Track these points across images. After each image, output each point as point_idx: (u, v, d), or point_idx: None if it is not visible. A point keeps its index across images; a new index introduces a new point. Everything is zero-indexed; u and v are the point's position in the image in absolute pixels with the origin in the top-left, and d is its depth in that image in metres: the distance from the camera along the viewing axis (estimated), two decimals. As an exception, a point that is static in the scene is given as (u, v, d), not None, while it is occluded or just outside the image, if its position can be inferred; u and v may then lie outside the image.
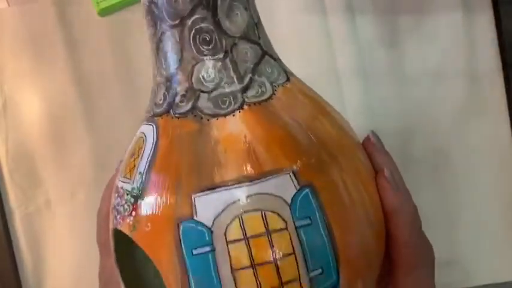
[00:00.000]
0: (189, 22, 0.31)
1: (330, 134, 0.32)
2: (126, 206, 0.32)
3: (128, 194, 0.32)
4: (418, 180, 0.54)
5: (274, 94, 0.31)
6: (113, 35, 0.55)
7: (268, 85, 0.32)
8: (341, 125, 0.34)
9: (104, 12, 0.55)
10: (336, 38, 0.53)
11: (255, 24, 0.32)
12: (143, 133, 0.33)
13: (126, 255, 0.35)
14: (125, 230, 0.31)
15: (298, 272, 0.28)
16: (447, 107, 0.54)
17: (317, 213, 0.29)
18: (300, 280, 0.28)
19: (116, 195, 0.33)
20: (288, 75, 0.33)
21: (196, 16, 0.31)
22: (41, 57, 0.56)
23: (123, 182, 0.33)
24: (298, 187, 0.29)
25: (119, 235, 0.33)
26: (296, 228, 0.28)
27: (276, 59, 0.33)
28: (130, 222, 0.31)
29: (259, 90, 0.31)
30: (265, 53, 0.32)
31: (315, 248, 0.29)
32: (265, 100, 0.31)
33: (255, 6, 0.33)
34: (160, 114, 0.32)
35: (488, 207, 0.54)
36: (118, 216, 0.32)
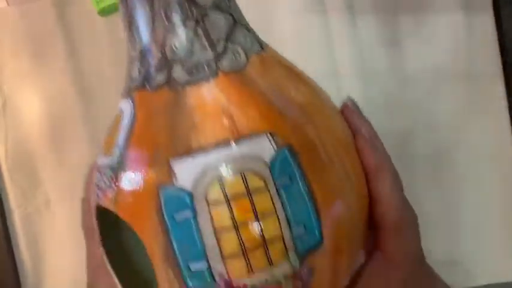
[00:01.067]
0: None
1: (306, 98, 0.32)
2: (106, 181, 0.32)
3: (107, 169, 0.32)
4: (419, 181, 0.54)
5: (248, 61, 0.32)
6: (112, 35, 0.55)
7: (242, 53, 0.32)
8: (317, 91, 0.34)
9: (104, 12, 0.55)
10: (336, 38, 0.53)
11: None
12: (121, 109, 0.33)
13: (111, 236, 0.35)
14: (107, 204, 0.31)
15: (281, 230, 0.29)
16: (447, 107, 0.54)
17: (296, 173, 0.29)
18: (283, 239, 0.29)
19: (97, 173, 0.33)
20: (263, 45, 0.33)
21: None
22: (41, 57, 0.56)
23: (103, 159, 0.33)
24: (276, 148, 0.29)
25: (103, 215, 0.33)
26: (276, 187, 0.29)
27: (250, 30, 0.33)
28: (111, 195, 0.31)
29: (234, 57, 0.31)
30: (238, 22, 0.32)
31: (296, 207, 0.29)
32: (240, 68, 0.31)
33: None
34: (136, 89, 0.32)
35: (489, 207, 0.54)
36: (99, 192, 0.32)
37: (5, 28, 0.56)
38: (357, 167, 0.34)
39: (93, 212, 0.34)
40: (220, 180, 0.28)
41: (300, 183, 0.29)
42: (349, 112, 0.36)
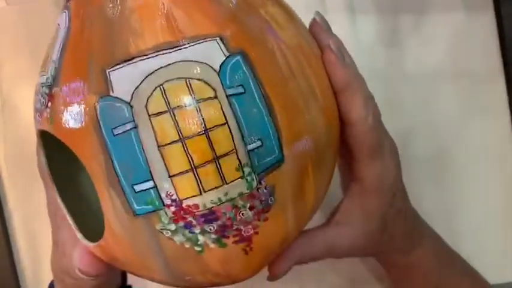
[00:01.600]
0: None
1: (266, 6, 0.30)
2: (42, 100, 0.29)
3: (43, 87, 0.30)
4: (419, 180, 0.54)
5: None
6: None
7: None
8: (289, 12, 0.32)
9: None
10: (336, 38, 0.53)
11: None
12: (58, 23, 0.31)
13: (62, 170, 0.32)
14: (45, 126, 0.29)
15: (234, 143, 0.26)
16: (447, 106, 0.53)
17: (251, 82, 0.27)
18: (236, 152, 0.26)
19: (35, 95, 0.31)
20: None
21: None
22: (40, 56, 0.56)
23: (40, 77, 0.30)
24: (227, 54, 0.27)
25: (50, 146, 0.30)
26: (227, 96, 0.26)
27: None
28: (48, 115, 0.29)
29: None
30: None
31: (251, 119, 0.26)
32: None
33: None
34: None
35: (489, 207, 0.54)
36: (37, 115, 0.30)
37: (5, 28, 0.56)
38: (323, 82, 0.31)
39: (37, 139, 0.31)
40: (162, 88, 0.26)
41: (255, 93, 0.27)
42: (316, 27, 0.33)
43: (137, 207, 0.27)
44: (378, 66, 0.53)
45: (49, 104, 0.29)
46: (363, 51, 0.53)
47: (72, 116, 0.27)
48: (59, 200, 0.32)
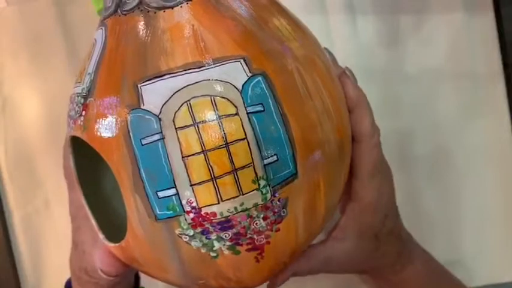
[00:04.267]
0: None
1: (284, 27, 0.32)
2: (77, 108, 0.31)
3: (78, 96, 0.31)
4: (419, 181, 0.54)
5: None
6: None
7: None
8: (299, 25, 0.34)
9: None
10: (336, 38, 0.53)
11: None
12: (94, 39, 0.33)
13: (89, 176, 0.35)
14: (77, 133, 0.31)
15: (252, 157, 0.28)
16: (447, 107, 0.53)
17: (270, 101, 0.28)
18: (253, 166, 0.28)
19: (70, 103, 0.33)
20: None
21: None
22: (40, 56, 0.56)
23: (75, 87, 0.32)
24: (249, 74, 0.28)
25: (80, 150, 0.32)
26: (248, 114, 0.28)
27: None
28: (81, 123, 0.31)
29: None
30: None
31: (268, 135, 0.28)
32: None
33: None
34: (109, 16, 0.32)
35: (489, 207, 0.54)
36: (71, 122, 0.32)
37: (5, 28, 0.56)
38: (336, 100, 0.33)
39: (68, 144, 0.33)
40: (189, 104, 0.28)
41: (274, 112, 0.29)
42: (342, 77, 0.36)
43: (159, 212, 0.29)
44: (378, 66, 0.53)
45: (83, 112, 0.31)
46: (363, 51, 0.53)
47: (105, 126, 0.29)
48: (84, 202, 0.34)
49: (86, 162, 0.34)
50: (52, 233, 0.57)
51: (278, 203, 0.29)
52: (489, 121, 0.53)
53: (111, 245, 0.32)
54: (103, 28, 0.32)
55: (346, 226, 0.37)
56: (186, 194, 0.28)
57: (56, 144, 0.56)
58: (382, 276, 0.42)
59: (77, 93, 0.32)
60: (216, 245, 0.29)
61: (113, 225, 0.33)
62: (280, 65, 0.30)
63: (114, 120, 0.29)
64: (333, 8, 0.53)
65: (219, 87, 0.28)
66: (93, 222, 0.34)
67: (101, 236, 0.33)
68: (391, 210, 0.38)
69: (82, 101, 0.31)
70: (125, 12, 0.31)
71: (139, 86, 0.28)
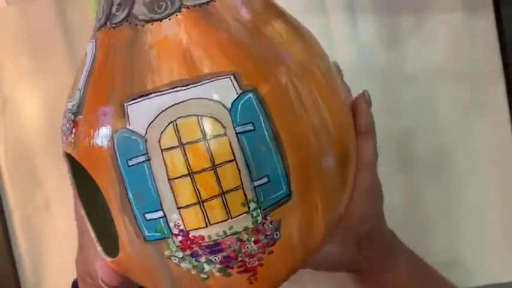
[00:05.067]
0: None
1: (281, 37, 0.30)
2: (68, 125, 0.31)
3: (69, 112, 0.31)
4: (419, 181, 0.54)
5: None
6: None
7: None
8: (298, 31, 0.32)
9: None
10: (336, 38, 0.53)
11: None
12: (86, 51, 0.32)
13: (90, 186, 0.33)
14: (69, 150, 0.30)
15: (241, 180, 0.27)
16: (448, 107, 0.54)
17: (261, 119, 0.27)
18: (243, 188, 0.27)
19: (63, 118, 0.32)
20: None
21: None
22: (40, 56, 0.56)
23: (67, 103, 0.31)
24: (239, 91, 0.27)
25: (72, 163, 0.31)
26: (237, 133, 0.27)
27: None
28: (72, 140, 0.30)
29: None
30: None
31: (259, 156, 0.27)
32: (207, 2, 0.29)
33: None
34: (99, 28, 0.31)
35: (489, 207, 0.54)
36: (64, 138, 0.31)
37: (5, 28, 0.56)
38: (341, 119, 0.31)
39: (64, 159, 0.32)
40: (175, 124, 0.26)
41: (265, 131, 0.27)
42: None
43: (147, 234, 0.28)
44: (378, 66, 0.53)
45: (73, 130, 0.30)
46: (363, 51, 0.53)
47: (92, 144, 0.29)
48: (83, 213, 0.34)
49: (86, 173, 0.34)
50: (52, 233, 0.57)
51: (270, 225, 0.28)
52: (489, 121, 0.53)
53: (108, 259, 0.32)
54: (94, 41, 0.31)
55: (332, 234, 0.37)
56: (174, 217, 0.27)
57: (56, 144, 0.56)
58: (366, 277, 0.42)
59: (68, 109, 0.31)
60: (206, 267, 0.28)
61: (112, 237, 0.33)
62: (274, 79, 0.28)
63: (101, 139, 0.28)
64: (333, 8, 0.53)
65: (206, 106, 0.27)
66: (93, 234, 0.33)
67: (99, 248, 0.32)
68: (378, 220, 0.39)
69: (72, 117, 0.30)
70: (114, 25, 0.30)
71: (125, 105, 0.27)
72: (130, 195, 0.27)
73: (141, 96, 0.27)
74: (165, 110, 0.27)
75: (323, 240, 0.32)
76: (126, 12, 0.29)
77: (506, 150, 0.54)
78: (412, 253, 0.43)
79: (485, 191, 0.54)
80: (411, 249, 0.43)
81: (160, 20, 0.28)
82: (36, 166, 0.57)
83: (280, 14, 0.32)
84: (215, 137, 0.26)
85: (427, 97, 0.54)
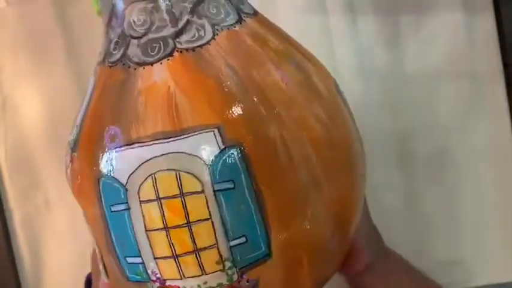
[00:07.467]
0: None
1: (276, 85, 0.28)
2: (67, 158, 0.31)
3: (68, 146, 0.32)
4: (419, 181, 0.54)
5: (214, 38, 0.29)
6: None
7: (208, 28, 0.29)
8: (302, 71, 0.31)
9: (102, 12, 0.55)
10: (336, 38, 0.53)
11: None
12: (89, 85, 0.32)
13: None
14: (68, 181, 0.31)
15: (216, 238, 0.26)
16: (448, 107, 0.54)
17: (242, 176, 0.26)
18: (217, 247, 0.26)
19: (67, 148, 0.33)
20: (242, 17, 0.30)
21: None
22: (40, 56, 0.56)
23: (70, 135, 0.32)
24: (222, 146, 0.26)
25: None
26: (215, 191, 0.26)
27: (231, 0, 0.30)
28: (69, 173, 0.31)
29: (197, 33, 0.28)
30: None
31: (236, 215, 0.26)
32: (201, 45, 0.28)
33: None
34: (99, 63, 0.31)
35: (490, 207, 0.54)
36: (66, 167, 0.32)
37: (5, 28, 0.56)
38: (336, 173, 0.30)
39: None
40: (154, 177, 0.26)
41: (246, 189, 0.26)
42: None
43: (129, 275, 0.29)
44: (378, 66, 0.53)
45: (70, 164, 0.31)
46: (363, 51, 0.53)
47: (83, 184, 0.29)
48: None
49: None
50: (52, 233, 0.57)
51: (247, 283, 0.28)
52: (489, 121, 0.53)
53: (105, 280, 0.32)
54: (94, 76, 0.31)
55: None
56: (151, 265, 0.27)
57: (56, 144, 0.57)
58: (352, 278, 0.42)
59: (69, 142, 0.32)
60: None
61: None
62: (261, 133, 0.27)
63: (90, 181, 0.29)
64: (333, 8, 0.53)
65: (185, 161, 0.26)
66: (97, 250, 0.33)
67: (101, 267, 0.32)
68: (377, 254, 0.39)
69: (70, 152, 0.31)
70: (110, 64, 0.30)
71: (112, 152, 0.28)
72: (113, 238, 0.28)
73: (126, 145, 0.27)
74: (146, 161, 0.27)
75: None
76: (121, 52, 0.29)
77: (506, 150, 0.54)
78: (397, 254, 0.44)
79: (485, 190, 0.54)
80: (398, 255, 0.44)
81: (152, 64, 0.28)
82: (36, 166, 0.57)
83: (288, 55, 0.31)
84: (192, 193, 0.26)
85: (427, 97, 0.54)
